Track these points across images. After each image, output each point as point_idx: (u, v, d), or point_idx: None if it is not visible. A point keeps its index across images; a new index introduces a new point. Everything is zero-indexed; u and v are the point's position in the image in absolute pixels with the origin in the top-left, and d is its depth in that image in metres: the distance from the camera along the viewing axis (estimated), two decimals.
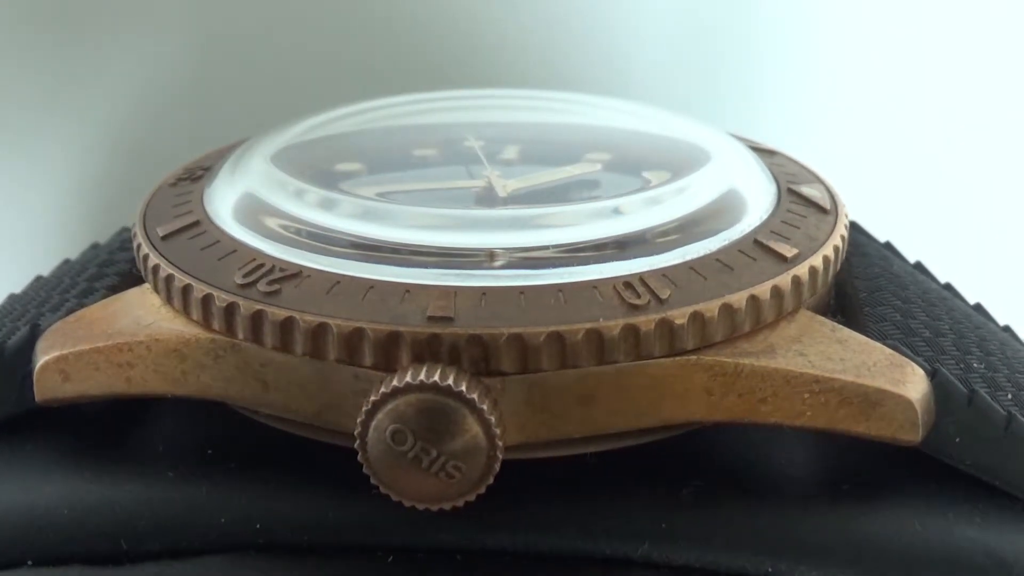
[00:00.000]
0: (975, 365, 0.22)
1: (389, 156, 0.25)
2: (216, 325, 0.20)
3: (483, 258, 0.21)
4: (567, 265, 0.21)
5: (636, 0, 0.37)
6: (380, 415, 0.19)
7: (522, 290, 0.20)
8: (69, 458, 0.22)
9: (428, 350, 0.19)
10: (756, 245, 0.22)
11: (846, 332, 0.21)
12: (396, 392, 0.19)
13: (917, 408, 0.20)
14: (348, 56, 0.38)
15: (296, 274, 0.21)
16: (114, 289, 0.24)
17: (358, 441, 0.19)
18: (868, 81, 0.39)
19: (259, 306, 0.20)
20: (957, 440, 0.21)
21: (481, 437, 0.19)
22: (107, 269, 0.24)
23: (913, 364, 0.21)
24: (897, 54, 0.39)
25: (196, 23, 0.39)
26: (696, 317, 0.20)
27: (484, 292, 0.20)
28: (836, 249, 0.22)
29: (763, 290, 0.20)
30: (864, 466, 0.21)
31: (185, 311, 0.21)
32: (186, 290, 0.21)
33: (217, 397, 0.21)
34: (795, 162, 0.26)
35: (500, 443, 0.19)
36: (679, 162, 0.23)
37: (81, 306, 0.23)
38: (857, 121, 0.39)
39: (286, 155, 0.24)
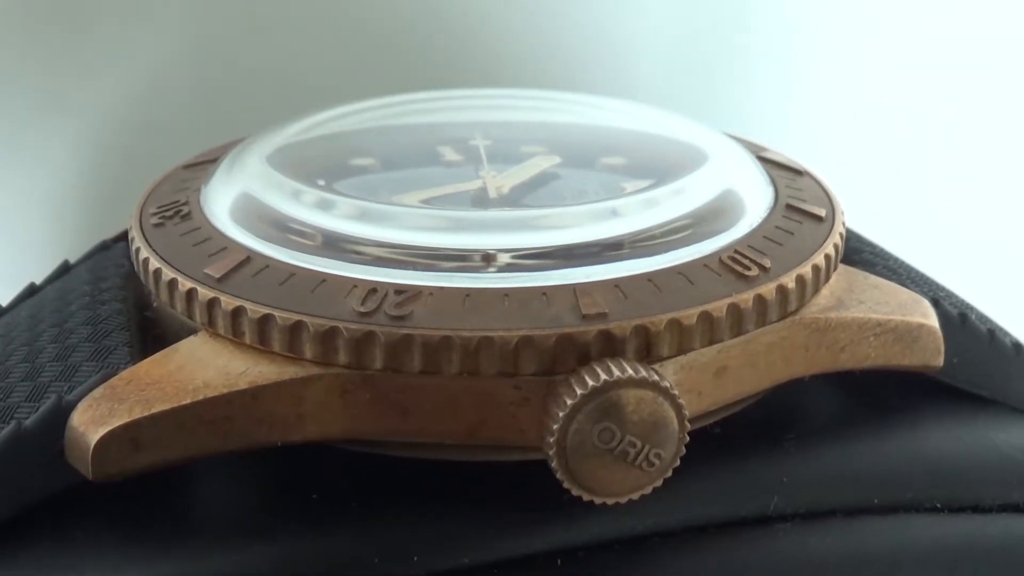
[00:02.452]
0: (940, 293, 0.26)
1: (396, 156, 0.25)
2: (343, 359, 0.20)
3: (600, 250, 0.21)
4: (674, 248, 0.21)
5: (635, 1, 0.37)
6: (580, 417, 0.19)
7: (649, 276, 0.21)
8: (151, 535, 0.20)
9: (594, 347, 0.19)
10: (793, 210, 0.23)
11: (874, 278, 0.24)
12: (596, 392, 0.19)
13: (940, 336, 0.23)
14: (348, 56, 0.37)
15: (418, 293, 0.20)
16: (130, 345, 0.22)
17: (554, 448, 0.19)
18: (863, 82, 0.40)
19: (404, 330, 0.19)
20: (955, 360, 0.24)
21: (675, 422, 0.19)
22: (108, 323, 0.22)
23: (923, 298, 0.24)
24: (891, 55, 0.40)
25: (195, 22, 0.36)
26: (799, 280, 0.21)
27: (616, 284, 0.20)
28: (840, 204, 0.24)
29: (829, 248, 0.22)
30: (896, 397, 0.24)
31: (292, 350, 0.20)
32: (296, 328, 0.20)
33: (340, 436, 0.20)
34: (731, 135, 0.28)
35: (688, 425, 0.20)
36: (685, 158, 0.25)
37: (110, 367, 0.21)
38: (851, 121, 0.41)
39: (307, 168, 0.24)
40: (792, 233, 0.22)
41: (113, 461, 0.20)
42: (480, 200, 0.24)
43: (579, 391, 0.19)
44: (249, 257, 0.21)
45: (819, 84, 0.40)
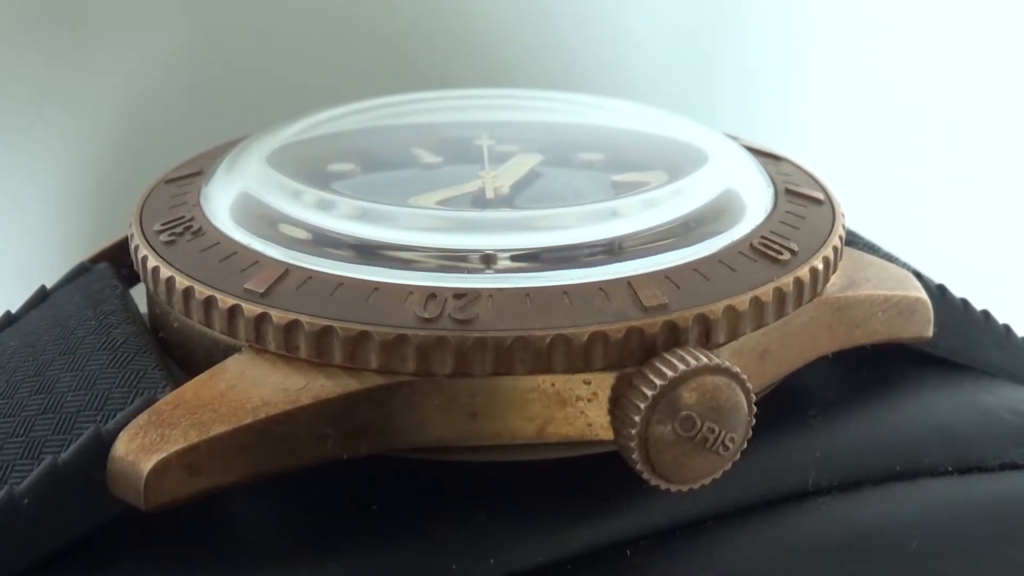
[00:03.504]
0: (912, 268, 0.27)
1: (392, 155, 0.25)
2: (411, 367, 0.19)
3: (645, 242, 0.21)
4: (706, 237, 0.22)
5: (636, 1, 0.37)
6: (662, 407, 0.19)
7: (693, 266, 0.21)
8: (203, 564, 0.20)
9: (660, 338, 0.20)
10: (793, 194, 0.24)
11: (867, 256, 0.25)
12: (676, 382, 0.19)
13: (931, 308, 0.24)
14: (348, 56, 0.36)
15: (478, 296, 0.20)
16: (159, 368, 0.21)
17: (636, 440, 0.19)
18: (862, 82, 0.40)
19: (476, 334, 0.19)
20: (935, 330, 0.25)
21: (745, 406, 0.20)
22: (128, 348, 0.22)
23: (909, 273, 0.25)
24: (891, 55, 0.40)
25: (195, 21, 0.35)
26: (825, 261, 0.22)
27: (666, 275, 0.21)
28: (828, 184, 0.25)
29: (840, 229, 0.23)
30: (887, 369, 0.25)
31: (354, 361, 0.20)
32: (360, 338, 0.19)
33: (407, 445, 0.20)
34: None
35: (754, 408, 0.20)
36: (684, 154, 0.25)
37: (146, 392, 0.20)
38: (851, 121, 0.40)
39: (314, 170, 0.24)
40: (803, 217, 0.23)
41: (168, 489, 0.19)
42: (479, 200, 0.24)
43: (659, 382, 0.19)
44: (288, 270, 0.21)
45: (819, 84, 0.40)
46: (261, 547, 0.20)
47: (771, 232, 0.22)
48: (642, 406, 0.19)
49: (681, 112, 0.26)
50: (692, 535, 0.21)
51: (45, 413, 0.21)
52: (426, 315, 0.19)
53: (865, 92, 0.40)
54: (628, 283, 0.20)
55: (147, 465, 0.19)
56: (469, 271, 0.20)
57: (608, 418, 0.20)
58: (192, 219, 0.23)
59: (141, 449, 0.19)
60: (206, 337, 0.21)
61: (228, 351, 0.21)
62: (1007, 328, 0.26)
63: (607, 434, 0.20)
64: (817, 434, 0.23)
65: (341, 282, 0.20)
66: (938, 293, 0.25)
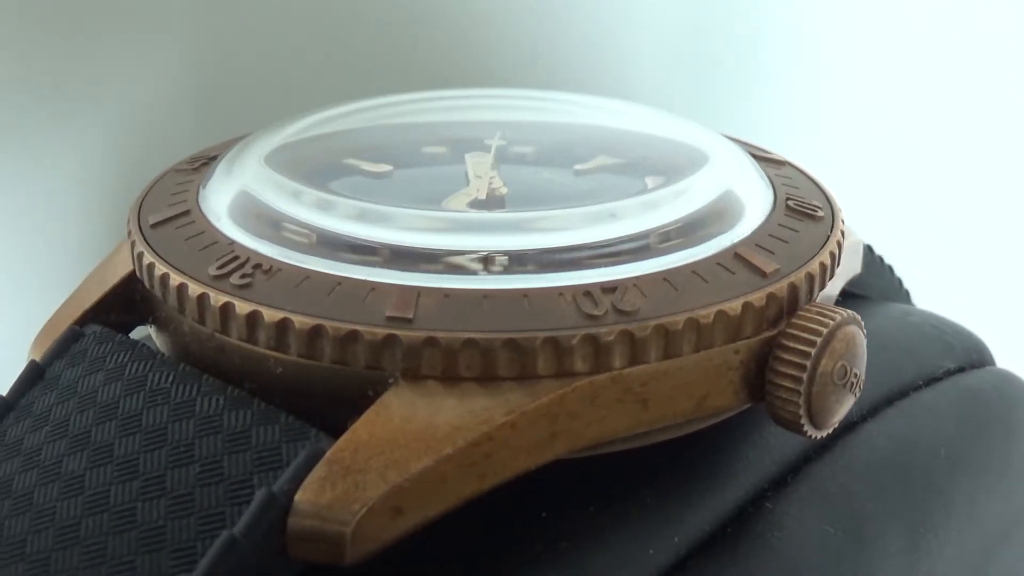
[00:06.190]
0: None
1: (398, 156, 0.25)
2: (592, 365, 0.20)
3: (727, 215, 0.23)
4: (750, 208, 0.24)
5: (636, 2, 0.34)
6: (825, 361, 0.21)
7: (768, 232, 0.23)
8: None
9: (786, 299, 0.22)
10: (769, 161, 0.26)
11: None
12: (830, 336, 0.21)
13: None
14: (351, 56, 0.34)
15: (626, 287, 0.21)
16: (290, 415, 0.20)
17: (802, 395, 0.21)
18: (863, 85, 0.39)
19: (652, 322, 0.20)
20: None
21: (866, 348, 0.22)
22: (240, 405, 0.20)
23: None
24: (892, 57, 0.40)
25: (197, 24, 0.34)
26: (843, 214, 0.25)
27: (756, 242, 0.22)
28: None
29: (826, 185, 0.26)
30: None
31: (535, 370, 0.20)
32: (543, 346, 0.20)
33: (588, 444, 0.20)
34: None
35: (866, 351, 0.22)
36: (686, 158, 0.26)
37: (300, 445, 0.19)
38: (852, 124, 0.40)
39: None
40: (790, 177, 0.25)
41: (374, 537, 0.18)
42: (478, 203, 0.24)
43: (816, 339, 0.20)
44: (420, 292, 0.20)
45: (820, 85, 0.41)
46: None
47: (791, 196, 0.24)
48: (806, 363, 0.20)
49: (680, 112, 0.27)
50: (801, 478, 0.23)
51: (173, 492, 0.19)
52: (595, 312, 0.20)
53: (866, 92, 0.42)
54: (735, 254, 0.21)
55: (350, 516, 0.18)
56: (611, 264, 0.21)
57: (745, 382, 0.21)
58: (248, 259, 0.21)
59: (336, 502, 0.18)
60: (337, 375, 0.20)
61: (369, 385, 0.20)
62: (880, 258, 0.30)
63: (751, 398, 0.21)
64: None
65: (484, 295, 0.20)
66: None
